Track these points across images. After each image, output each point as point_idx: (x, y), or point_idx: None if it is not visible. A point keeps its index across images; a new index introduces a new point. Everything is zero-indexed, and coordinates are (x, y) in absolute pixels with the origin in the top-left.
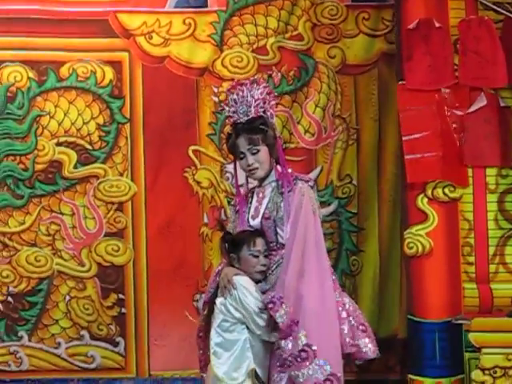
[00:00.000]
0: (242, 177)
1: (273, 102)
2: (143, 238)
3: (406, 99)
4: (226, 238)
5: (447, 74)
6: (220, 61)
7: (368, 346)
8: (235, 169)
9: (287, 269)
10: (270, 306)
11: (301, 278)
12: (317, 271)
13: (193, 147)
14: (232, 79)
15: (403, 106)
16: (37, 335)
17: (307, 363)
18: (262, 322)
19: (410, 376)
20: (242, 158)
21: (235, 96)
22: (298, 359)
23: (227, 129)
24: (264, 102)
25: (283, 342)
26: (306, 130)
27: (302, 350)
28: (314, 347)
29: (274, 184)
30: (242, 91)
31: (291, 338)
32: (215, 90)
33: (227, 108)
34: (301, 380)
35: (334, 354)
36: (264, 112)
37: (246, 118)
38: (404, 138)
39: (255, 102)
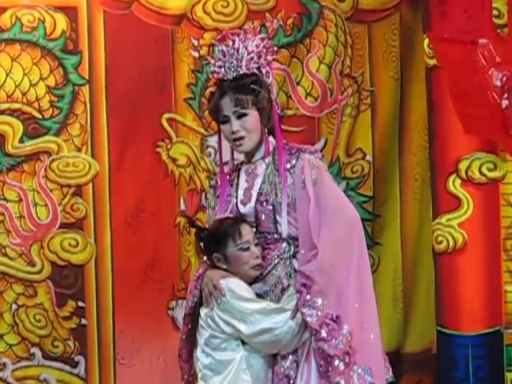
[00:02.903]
0: (227, 152)
1: (270, 58)
2: (107, 230)
3: (436, 52)
4: (202, 235)
5: (485, 23)
6: (201, 6)
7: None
8: (220, 141)
9: (319, 254)
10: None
11: (336, 266)
12: (355, 259)
13: (167, 115)
14: (216, 29)
15: (432, 62)
16: None
17: (347, 370)
18: (265, 324)
19: None
20: (224, 123)
21: (224, 47)
22: (340, 364)
23: (208, 93)
24: (259, 57)
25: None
26: (308, 93)
27: (347, 353)
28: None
29: (268, 159)
30: (234, 41)
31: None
32: (195, 42)
33: (213, 61)
34: None
35: (377, 361)
36: (258, 69)
37: (234, 74)
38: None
39: (248, 55)
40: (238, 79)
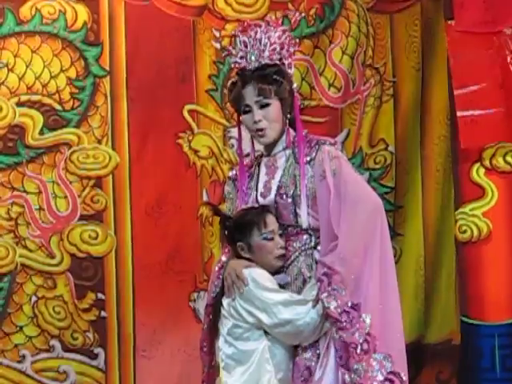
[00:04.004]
0: (248, 144)
1: (292, 50)
2: (127, 222)
3: (457, 43)
4: (227, 224)
5: (509, 10)
6: None
7: None
8: (239, 132)
9: (339, 244)
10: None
11: (358, 254)
12: (377, 247)
13: (189, 106)
14: (237, 20)
15: (454, 52)
16: None
17: (366, 357)
18: (287, 315)
19: None
20: (246, 112)
21: (246, 38)
22: (358, 351)
23: (230, 83)
24: (281, 48)
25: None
26: (331, 84)
27: (365, 341)
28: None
29: (288, 152)
30: (256, 33)
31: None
32: (216, 33)
33: (234, 52)
34: (356, 377)
35: (398, 349)
36: (280, 60)
37: (256, 64)
38: (456, 92)
39: (271, 46)
40: (260, 69)
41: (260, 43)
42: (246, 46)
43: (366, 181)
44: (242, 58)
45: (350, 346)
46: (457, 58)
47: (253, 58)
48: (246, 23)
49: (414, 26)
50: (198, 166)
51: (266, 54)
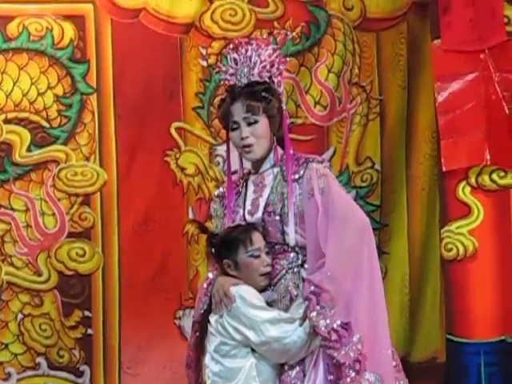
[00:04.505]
0: (236, 161)
1: (282, 68)
2: (115, 240)
3: (443, 62)
4: (213, 240)
5: (495, 29)
6: (209, 14)
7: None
8: (228, 149)
9: (327, 262)
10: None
11: (346, 272)
12: (365, 265)
13: (176, 124)
14: (224, 38)
15: (439, 71)
16: None
17: (358, 377)
18: (275, 332)
19: None
20: (234, 129)
21: (236, 55)
22: (351, 371)
23: (219, 100)
24: (271, 66)
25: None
26: (317, 102)
27: (357, 360)
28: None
29: (276, 170)
30: (247, 50)
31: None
32: (203, 51)
33: (224, 69)
34: None
35: (387, 367)
36: (270, 78)
37: (246, 81)
38: (440, 116)
39: (261, 63)
40: (250, 86)
41: (250, 61)
42: (236, 64)
43: (353, 199)
44: (232, 75)
45: (343, 366)
46: (442, 79)
47: (242, 75)
48: (236, 41)
49: (400, 44)
50: (184, 183)
51: (256, 71)
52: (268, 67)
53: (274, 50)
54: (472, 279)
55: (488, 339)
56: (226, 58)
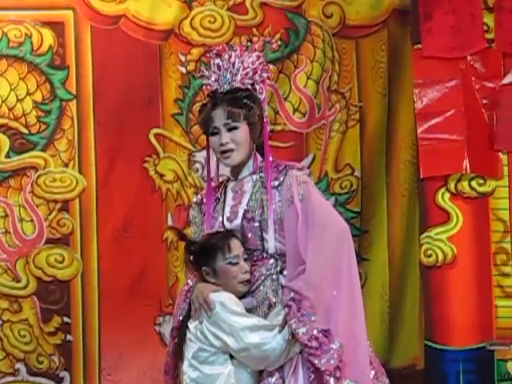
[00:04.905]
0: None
1: (265, 75)
2: (94, 246)
3: (423, 69)
4: (192, 248)
5: (475, 36)
6: (188, 21)
7: None
8: (208, 155)
9: (307, 269)
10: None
11: (326, 279)
12: (344, 272)
13: (155, 130)
14: (203, 44)
15: (419, 79)
16: None
17: None
18: (254, 339)
19: None
20: (214, 134)
21: (219, 61)
22: (332, 379)
23: (197, 107)
24: (254, 73)
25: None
26: (296, 109)
27: (337, 368)
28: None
29: (255, 177)
30: (230, 56)
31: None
32: (182, 58)
33: (207, 74)
34: None
35: (366, 374)
36: (252, 85)
37: (228, 88)
38: (419, 122)
39: (244, 70)
40: (231, 92)
41: (233, 67)
42: (219, 69)
43: (332, 206)
44: (215, 80)
45: (325, 373)
46: (422, 86)
47: (225, 81)
48: (220, 47)
49: (380, 51)
50: (163, 190)
51: (239, 77)
52: (251, 74)
53: (258, 57)
54: (451, 286)
55: (467, 346)
56: (208, 63)
